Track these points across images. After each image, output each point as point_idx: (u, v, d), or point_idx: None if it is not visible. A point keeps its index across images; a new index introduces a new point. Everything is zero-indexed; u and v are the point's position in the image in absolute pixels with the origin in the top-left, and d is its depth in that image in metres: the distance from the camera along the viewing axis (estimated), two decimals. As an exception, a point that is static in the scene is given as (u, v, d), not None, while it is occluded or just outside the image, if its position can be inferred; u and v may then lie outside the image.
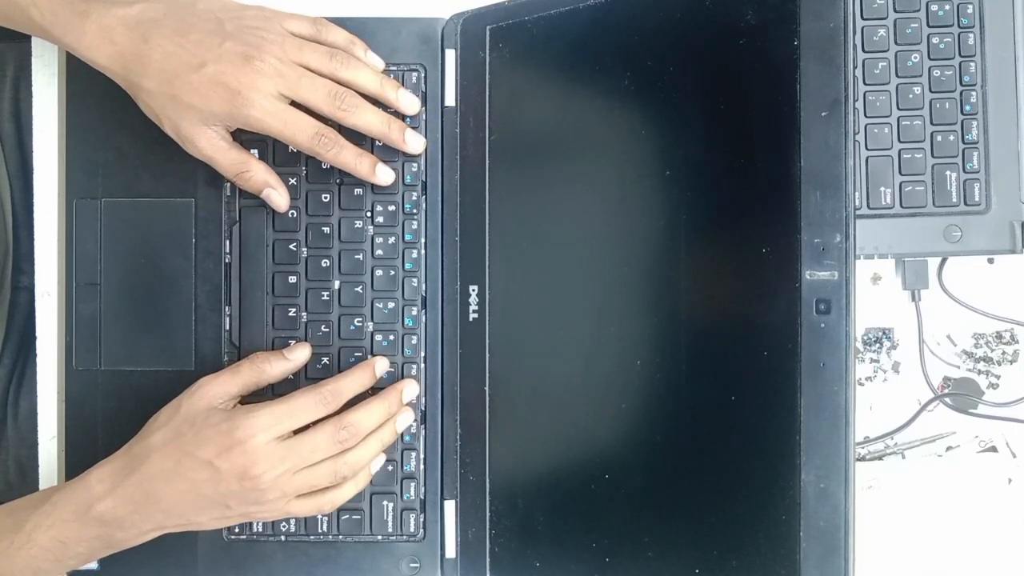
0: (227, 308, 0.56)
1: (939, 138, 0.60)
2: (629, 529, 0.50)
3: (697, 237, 0.48)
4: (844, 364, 0.43)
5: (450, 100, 0.56)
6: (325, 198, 0.55)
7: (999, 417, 0.63)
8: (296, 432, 0.50)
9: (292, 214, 0.55)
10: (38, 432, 0.58)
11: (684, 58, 0.49)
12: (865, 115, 0.60)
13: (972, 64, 0.60)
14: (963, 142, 0.60)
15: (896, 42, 0.60)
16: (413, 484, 0.56)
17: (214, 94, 0.49)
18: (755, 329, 0.45)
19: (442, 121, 0.56)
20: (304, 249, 0.56)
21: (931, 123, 0.60)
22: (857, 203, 0.60)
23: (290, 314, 0.55)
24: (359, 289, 0.56)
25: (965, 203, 0.60)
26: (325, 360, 0.55)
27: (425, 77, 0.56)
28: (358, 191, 0.56)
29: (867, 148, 0.60)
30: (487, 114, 0.55)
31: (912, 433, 0.64)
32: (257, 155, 0.54)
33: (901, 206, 0.60)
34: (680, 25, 0.49)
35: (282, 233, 0.56)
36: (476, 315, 0.55)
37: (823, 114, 0.44)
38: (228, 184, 0.56)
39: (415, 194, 0.56)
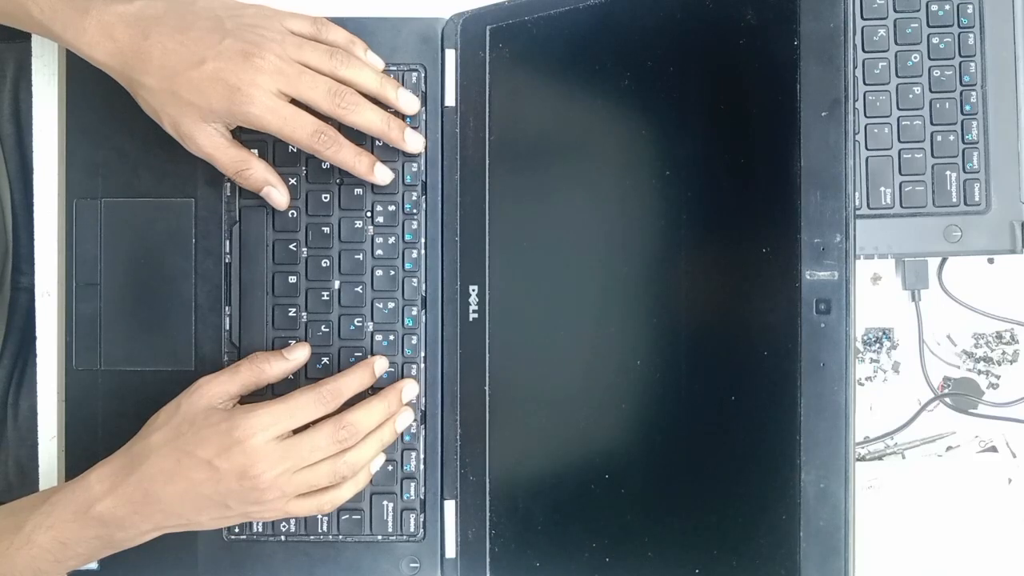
0: (227, 308, 0.56)
1: (939, 138, 0.60)
2: (629, 529, 0.50)
3: (697, 237, 0.48)
4: (844, 364, 0.43)
5: (450, 100, 0.56)
6: (325, 198, 0.55)
7: (999, 417, 0.63)
8: (296, 432, 0.50)
9: (292, 214, 0.55)
10: (38, 432, 0.58)
11: (684, 58, 0.49)
12: (865, 115, 0.60)
13: (972, 64, 0.60)
14: (963, 142, 0.60)
15: (896, 42, 0.60)
16: (413, 484, 0.55)
17: (214, 91, 0.49)
18: (755, 329, 0.45)
19: (442, 121, 0.56)
20: (304, 249, 0.56)
21: (931, 123, 0.60)
22: (857, 203, 0.60)
23: (290, 314, 0.55)
24: (359, 289, 0.56)
25: (965, 203, 0.60)
26: (325, 360, 0.55)
27: (425, 77, 0.56)
28: (358, 191, 0.56)
29: (867, 148, 0.60)
30: (487, 114, 0.55)
31: (912, 433, 0.64)
32: (257, 154, 0.54)
33: (901, 206, 0.60)
34: (680, 25, 0.49)
35: (282, 233, 0.56)
36: (476, 315, 0.55)
37: (823, 114, 0.44)
38: (228, 184, 0.56)
39: (415, 194, 0.56)
